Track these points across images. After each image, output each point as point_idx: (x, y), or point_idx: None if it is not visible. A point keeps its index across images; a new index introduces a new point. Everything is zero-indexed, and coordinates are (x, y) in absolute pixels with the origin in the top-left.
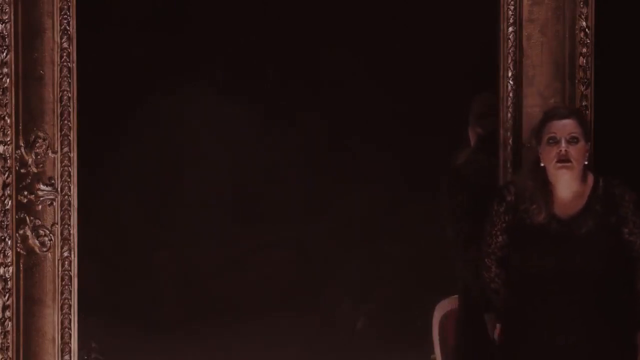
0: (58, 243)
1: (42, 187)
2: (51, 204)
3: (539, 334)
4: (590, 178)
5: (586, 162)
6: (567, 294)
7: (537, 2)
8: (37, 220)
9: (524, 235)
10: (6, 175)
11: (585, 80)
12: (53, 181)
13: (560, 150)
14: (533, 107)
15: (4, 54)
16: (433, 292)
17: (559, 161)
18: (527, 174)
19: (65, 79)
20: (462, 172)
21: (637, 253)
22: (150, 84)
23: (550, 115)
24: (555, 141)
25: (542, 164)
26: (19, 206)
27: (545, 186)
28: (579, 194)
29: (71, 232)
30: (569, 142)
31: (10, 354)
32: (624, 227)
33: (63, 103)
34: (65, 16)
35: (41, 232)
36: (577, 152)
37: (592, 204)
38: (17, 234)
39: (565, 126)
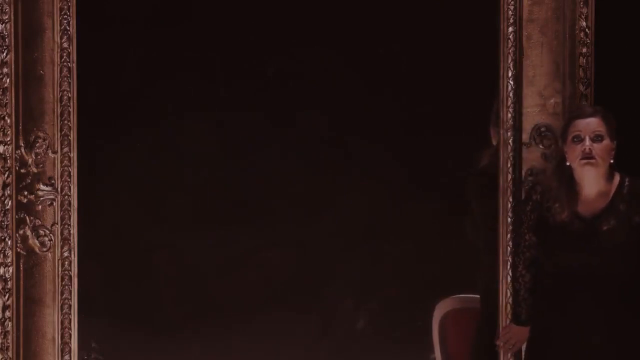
0: (58, 243)
1: (42, 187)
2: (51, 204)
3: (565, 334)
4: (617, 177)
5: (612, 161)
6: (592, 293)
7: (537, 2)
8: (37, 220)
9: (547, 234)
10: (6, 175)
11: (585, 80)
12: (53, 181)
13: (585, 148)
14: (533, 107)
15: (4, 54)
16: (433, 292)
17: (583, 158)
18: (553, 173)
19: (65, 79)
20: (489, 173)
21: None
22: (150, 83)
23: (575, 114)
24: (580, 139)
25: (567, 163)
26: (19, 206)
27: (570, 185)
28: (604, 192)
29: (71, 232)
30: (593, 140)
31: (10, 354)
32: None
33: (63, 103)
34: (65, 16)
35: (41, 232)
36: (602, 150)
37: (616, 202)
38: (17, 234)
39: (589, 124)
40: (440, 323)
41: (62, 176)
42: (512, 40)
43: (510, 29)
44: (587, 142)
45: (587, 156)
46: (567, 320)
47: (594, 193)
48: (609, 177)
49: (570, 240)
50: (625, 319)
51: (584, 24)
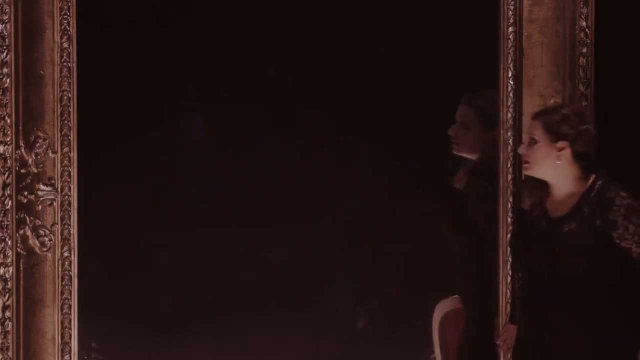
0: (58, 243)
1: (42, 187)
2: (51, 204)
3: (532, 335)
4: (591, 179)
5: (558, 162)
6: (554, 294)
7: (537, 2)
8: (37, 220)
9: (521, 232)
10: (6, 175)
11: (585, 80)
12: (53, 181)
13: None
14: (533, 107)
15: (4, 54)
16: (433, 292)
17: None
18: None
19: (65, 79)
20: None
21: (637, 261)
22: (150, 83)
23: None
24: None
25: None
26: (19, 206)
27: (539, 183)
28: (574, 193)
29: (71, 232)
30: (529, 143)
31: (10, 354)
32: (613, 232)
33: (63, 103)
34: (65, 16)
35: (41, 232)
36: (534, 154)
37: (581, 204)
38: (17, 234)
39: (529, 128)
40: (440, 323)
41: (62, 176)
42: (512, 40)
43: (510, 29)
44: (522, 146)
45: (524, 160)
46: (532, 320)
47: (563, 194)
48: (584, 178)
49: (534, 240)
50: (587, 322)
51: (584, 24)
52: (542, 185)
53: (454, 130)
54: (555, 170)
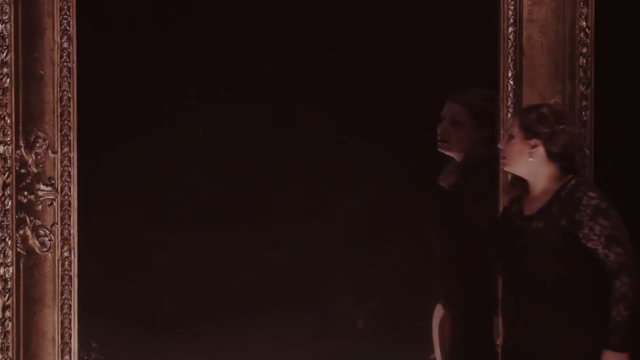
0: (58, 243)
1: (42, 187)
2: (51, 204)
3: (506, 332)
4: (567, 178)
5: (530, 159)
6: (523, 292)
7: (537, 2)
8: (37, 221)
9: (497, 229)
10: (6, 175)
11: (585, 80)
12: (53, 181)
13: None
14: None
15: (4, 54)
16: (433, 292)
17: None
18: None
19: (65, 79)
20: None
21: (604, 262)
22: (150, 83)
23: None
24: None
25: None
26: (19, 206)
27: (521, 181)
28: (549, 192)
29: (71, 232)
30: (507, 139)
31: (10, 354)
32: (579, 232)
33: (63, 103)
34: (65, 16)
35: (41, 232)
36: (510, 150)
37: (552, 203)
38: (17, 234)
39: (509, 124)
40: (440, 323)
41: (62, 176)
42: (512, 40)
43: (510, 29)
44: (502, 142)
45: (501, 155)
46: (506, 318)
47: (538, 191)
48: (561, 178)
49: (506, 236)
50: (553, 322)
51: (584, 24)
52: (522, 183)
53: (443, 128)
54: (529, 167)
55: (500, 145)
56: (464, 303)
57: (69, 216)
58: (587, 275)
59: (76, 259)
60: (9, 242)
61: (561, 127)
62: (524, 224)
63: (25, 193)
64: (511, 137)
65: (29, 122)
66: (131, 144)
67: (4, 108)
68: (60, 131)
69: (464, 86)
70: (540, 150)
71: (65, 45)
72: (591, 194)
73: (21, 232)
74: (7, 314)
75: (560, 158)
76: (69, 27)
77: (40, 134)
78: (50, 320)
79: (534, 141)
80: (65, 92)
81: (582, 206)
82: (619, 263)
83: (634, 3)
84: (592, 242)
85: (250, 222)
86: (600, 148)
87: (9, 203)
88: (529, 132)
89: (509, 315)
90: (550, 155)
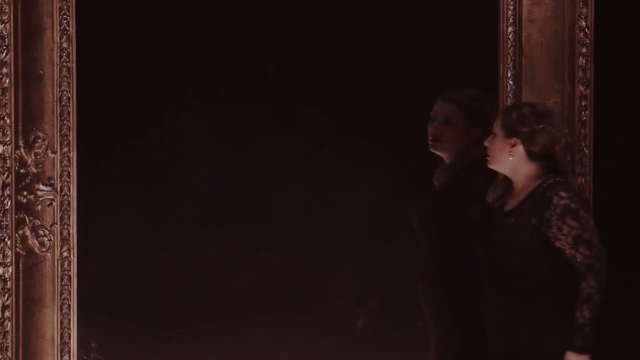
0: (57, 243)
1: (41, 187)
2: (50, 204)
3: (493, 332)
4: (547, 177)
5: (511, 158)
6: (495, 288)
7: (537, 2)
8: (36, 221)
9: (480, 225)
10: (6, 176)
11: (585, 80)
12: (52, 181)
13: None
14: None
15: (4, 54)
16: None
17: None
18: None
19: (65, 79)
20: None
21: (572, 262)
22: (150, 83)
23: None
24: None
25: None
26: (19, 206)
27: (507, 179)
28: (526, 190)
29: (70, 232)
30: (492, 138)
31: (9, 354)
32: (548, 231)
33: (63, 103)
34: (65, 16)
35: (40, 232)
36: (493, 147)
37: (527, 201)
38: (16, 234)
39: (495, 122)
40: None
41: (61, 176)
42: (511, 40)
43: (510, 29)
44: (488, 139)
45: (487, 153)
46: (485, 315)
47: (519, 189)
48: (541, 176)
49: (487, 232)
50: (519, 319)
51: (584, 24)
52: (508, 180)
53: (436, 127)
54: (510, 165)
55: (485, 143)
56: (448, 304)
57: (69, 216)
58: (556, 274)
59: (75, 259)
60: (9, 242)
61: (540, 126)
62: (502, 220)
63: (25, 193)
64: (494, 135)
65: (28, 122)
66: (131, 144)
67: (4, 108)
68: (60, 131)
69: (464, 86)
70: (520, 149)
71: (65, 45)
72: (562, 193)
73: (20, 232)
74: (7, 314)
75: (541, 157)
76: (68, 27)
77: (40, 134)
78: (50, 320)
79: (513, 140)
80: (64, 92)
81: (552, 205)
82: (585, 264)
83: (634, 3)
84: (559, 242)
85: (250, 222)
86: (600, 148)
87: (9, 203)
88: (509, 131)
89: (487, 312)
90: (530, 155)
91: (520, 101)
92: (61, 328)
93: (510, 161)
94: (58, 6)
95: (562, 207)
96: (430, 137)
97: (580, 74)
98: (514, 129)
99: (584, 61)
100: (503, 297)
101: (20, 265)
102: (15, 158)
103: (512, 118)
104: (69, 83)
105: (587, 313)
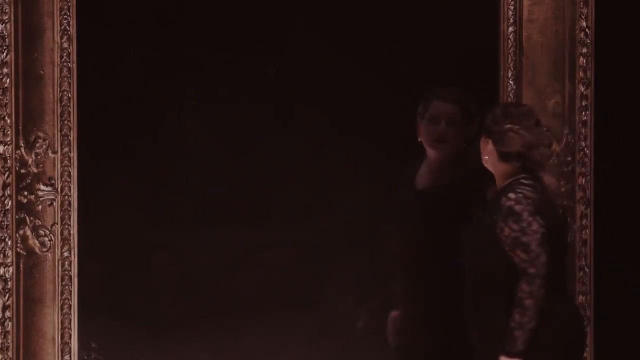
0: (58, 243)
1: (42, 187)
2: (51, 204)
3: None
4: (514, 178)
5: (486, 157)
6: (465, 287)
7: (537, 2)
8: (37, 221)
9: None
10: (6, 176)
11: (585, 80)
12: (53, 181)
13: None
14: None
15: (4, 54)
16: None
17: None
18: None
19: (65, 79)
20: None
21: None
22: (150, 83)
23: None
24: None
25: None
26: (19, 206)
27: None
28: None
29: (71, 232)
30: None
31: (10, 354)
32: (495, 231)
33: (63, 103)
34: (65, 16)
35: (41, 232)
36: (480, 147)
37: (489, 202)
38: (17, 234)
39: None
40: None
41: (62, 176)
42: (512, 40)
43: (510, 29)
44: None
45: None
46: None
47: (498, 188)
48: (513, 176)
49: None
50: (487, 323)
51: (584, 24)
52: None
53: (442, 127)
54: (488, 165)
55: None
56: (430, 304)
57: (69, 216)
58: (503, 274)
59: (76, 259)
60: (9, 242)
61: (507, 127)
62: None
63: (25, 193)
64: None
65: (28, 122)
66: (131, 144)
67: (4, 108)
68: (60, 131)
69: (463, 86)
70: (492, 149)
71: (65, 45)
72: (510, 195)
73: (21, 232)
74: (7, 314)
75: (511, 158)
76: (68, 27)
77: (40, 134)
78: (50, 320)
79: (487, 140)
80: (65, 92)
81: (500, 206)
82: (521, 269)
83: (634, 3)
84: (502, 243)
85: (250, 222)
86: (600, 148)
87: (9, 203)
88: (484, 131)
89: (466, 311)
90: (501, 155)
91: (520, 101)
92: (62, 328)
93: (486, 160)
94: (58, 6)
95: (506, 208)
96: (435, 137)
97: (581, 74)
98: (487, 129)
99: (584, 61)
100: (476, 296)
101: (21, 265)
102: (15, 158)
103: (488, 118)
104: (69, 83)
105: (517, 317)
